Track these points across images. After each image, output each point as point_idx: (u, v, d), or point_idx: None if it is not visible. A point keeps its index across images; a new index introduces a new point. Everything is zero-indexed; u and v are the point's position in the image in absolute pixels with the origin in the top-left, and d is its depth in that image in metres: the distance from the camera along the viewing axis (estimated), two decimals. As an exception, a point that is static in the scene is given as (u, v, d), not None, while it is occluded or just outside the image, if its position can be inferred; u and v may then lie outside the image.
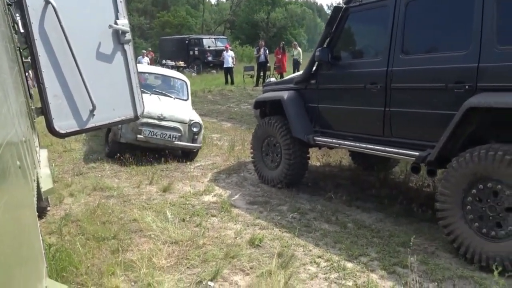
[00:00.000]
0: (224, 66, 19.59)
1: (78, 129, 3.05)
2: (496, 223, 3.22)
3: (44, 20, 2.83)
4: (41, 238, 1.30)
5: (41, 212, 4.18)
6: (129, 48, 3.20)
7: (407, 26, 4.02)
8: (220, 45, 25.70)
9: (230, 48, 21.77)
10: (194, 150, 6.93)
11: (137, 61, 11.95)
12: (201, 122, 6.93)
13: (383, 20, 4.26)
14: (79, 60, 2.93)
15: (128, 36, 3.17)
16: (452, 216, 3.47)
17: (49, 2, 2.77)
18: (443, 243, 3.68)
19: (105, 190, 5.21)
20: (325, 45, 4.89)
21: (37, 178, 1.85)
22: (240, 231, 3.98)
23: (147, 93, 6.94)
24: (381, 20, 4.36)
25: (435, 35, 3.93)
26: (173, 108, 6.88)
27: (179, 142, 6.61)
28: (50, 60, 2.87)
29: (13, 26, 3.36)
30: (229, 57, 19.25)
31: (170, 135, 6.57)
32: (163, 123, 6.55)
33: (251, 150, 5.94)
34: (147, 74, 7.91)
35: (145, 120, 6.28)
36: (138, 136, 6.38)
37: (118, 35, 3.12)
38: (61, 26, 2.82)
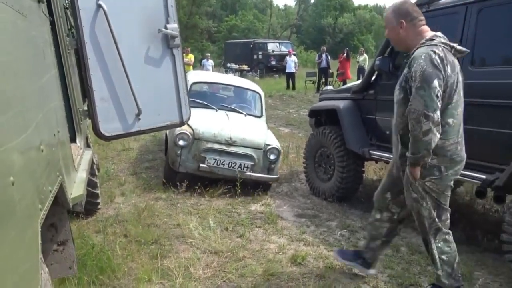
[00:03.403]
0: (286, 71, 19.50)
1: (123, 132, 3.05)
2: None
3: (95, 24, 2.84)
4: (40, 263, 1.22)
5: (92, 210, 4.28)
6: (177, 53, 3.16)
7: (479, 36, 3.64)
8: (284, 49, 25.65)
9: (294, 53, 21.63)
10: (270, 183, 5.56)
11: (201, 65, 12.20)
12: (279, 147, 5.50)
13: (452, 28, 3.90)
14: (127, 64, 2.92)
15: (177, 41, 3.12)
16: (521, 250, 3.08)
17: (101, 6, 2.78)
18: (508, 280, 3.28)
19: (156, 191, 5.25)
20: (386, 54, 4.60)
21: (64, 187, 1.81)
22: (284, 245, 3.81)
23: (213, 108, 5.95)
24: (449, 28, 3.97)
25: (510, 46, 3.53)
26: (245, 130, 5.50)
27: (251, 173, 5.26)
28: (99, 63, 2.88)
29: (70, 29, 3.44)
30: (291, 62, 19.15)
31: (240, 164, 5.21)
32: (232, 149, 5.21)
33: (304, 160, 5.74)
34: (214, 85, 6.82)
35: (210, 145, 5.16)
36: (201, 165, 5.14)
37: (167, 40, 3.09)
38: (111, 30, 2.82)
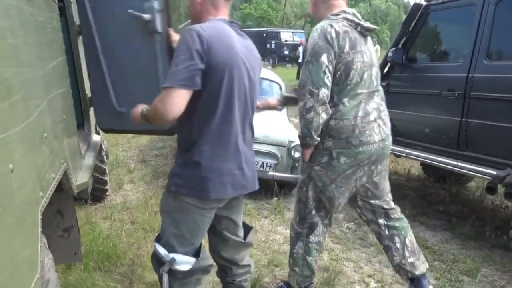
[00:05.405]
0: (300, 61, 19.37)
1: (117, 128, 2.76)
2: None
3: (86, 11, 2.44)
4: (41, 250, 1.23)
5: (99, 196, 4.31)
6: (160, 40, 2.42)
7: (495, 28, 3.56)
8: (297, 39, 25.47)
9: (307, 43, 21.46)
10: (294, 183, 5.02)
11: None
12: None
13: (468, 20, 3.83)
14: (109, 55, 2.51)
15: (154, 25, 2.34)
16: (530, 248, 3.03)
17: None
18: (516, 277, 3.24)
19: (164, 179, 5.27)
20: (400, 45, 4.53)
21: (68, 174, 1.82)
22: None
23: None
24: (465, 20, 3.92)
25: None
26: (267, 125, 5.00)
27: (274, 173, 4.87)
28: (92, 53, 2.59)
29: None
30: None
31: (263, 163, 4.84)
32: (254, 146, 4.87)
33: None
34: None
35: None
36: None
37: (145, 24, 2.37)
38: (88, 16, 2.43)
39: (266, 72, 6.76)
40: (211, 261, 2.14)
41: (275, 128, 5.15)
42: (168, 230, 1.94)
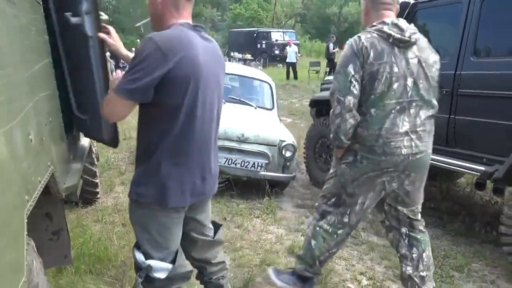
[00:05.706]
0: (288, 61, 19.43)
1: (86, 134, 2.79)
2: None
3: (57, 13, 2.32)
4: (27, 253, 1.22)
5: (90, 199, 4.28)
6: (92, 45, 2.20)
7: (482, 26, 3.60)
8: (288, 39, 25.53)
9: (296, 42, 21.55)
10: (285, 182, 5.21)
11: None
12: (295, 143, 5.04)
13: (455, 18, 3.87)
14: (68, 61, 2.42)
15: (84, 28, 2.15)
16: (519, 243, 3.07)
17: None
18: (506, 272, 3.28)
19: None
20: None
21: (55, 176, 1.80)
22: (281, 236, 3.81)
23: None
24: (452, 18, 3.96)
25: (513, 37, 3.49)
26: (258, 125, 5.11)
27: (265, 173, 4.89)
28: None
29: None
30: (292, 52, 19.10)
31: (254, 163, 4.85)
32: (245, 146, 4.84)
33: (304, 150, 5.73)
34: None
35: (220, 143, 4.39)
36: None
37: (76, 28, 2.15)
38: (53, 20, 2.31)
39: (257, 72, 6.76)
40: (189, 267, 2.13)
41: (266, 127, 5.13)
42: (142, 238, 1.95)
